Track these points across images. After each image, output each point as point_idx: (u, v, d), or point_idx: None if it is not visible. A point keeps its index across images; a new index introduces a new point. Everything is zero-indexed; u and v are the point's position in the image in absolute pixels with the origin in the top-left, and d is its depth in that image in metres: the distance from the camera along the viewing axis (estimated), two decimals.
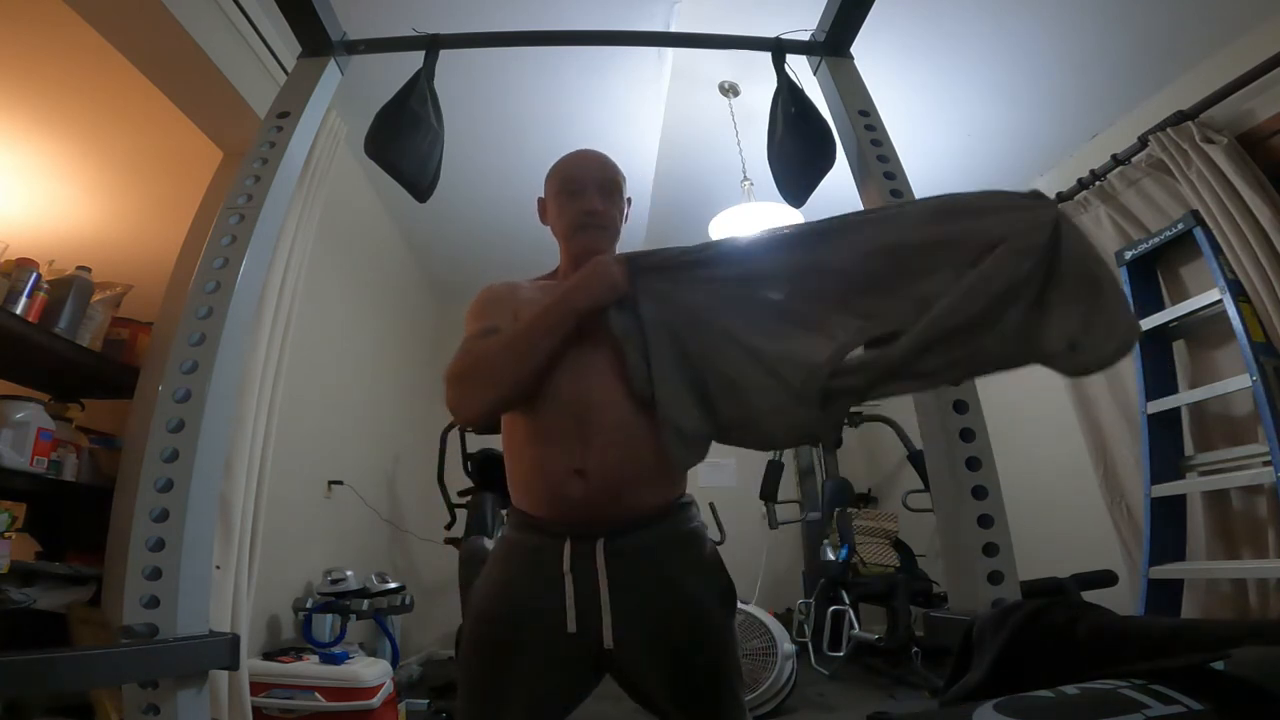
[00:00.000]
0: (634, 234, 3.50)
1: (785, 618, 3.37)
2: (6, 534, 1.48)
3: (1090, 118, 2.57)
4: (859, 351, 0.83)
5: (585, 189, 1.04)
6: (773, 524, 3.44)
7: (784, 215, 2.70)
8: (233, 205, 1.08)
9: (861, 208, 1.17)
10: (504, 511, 2.00)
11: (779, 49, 1.34)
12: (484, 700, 0.88)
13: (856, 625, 3.04)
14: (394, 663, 2.47)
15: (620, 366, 0.90)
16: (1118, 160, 2.40)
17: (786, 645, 2.51)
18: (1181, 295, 2.26)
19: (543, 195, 1.12)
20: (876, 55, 1.76)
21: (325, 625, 2.23)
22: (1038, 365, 0.79)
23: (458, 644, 0.96)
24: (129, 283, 1.99)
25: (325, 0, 1.24)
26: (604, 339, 0.93)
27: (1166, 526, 2.13)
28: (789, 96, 1.31)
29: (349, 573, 2.37)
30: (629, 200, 1.12)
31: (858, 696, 2.69)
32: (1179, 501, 2.16)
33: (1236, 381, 1.95)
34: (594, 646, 0.86)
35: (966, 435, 0.90)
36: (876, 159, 1.15)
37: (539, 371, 0.89)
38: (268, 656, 2.02)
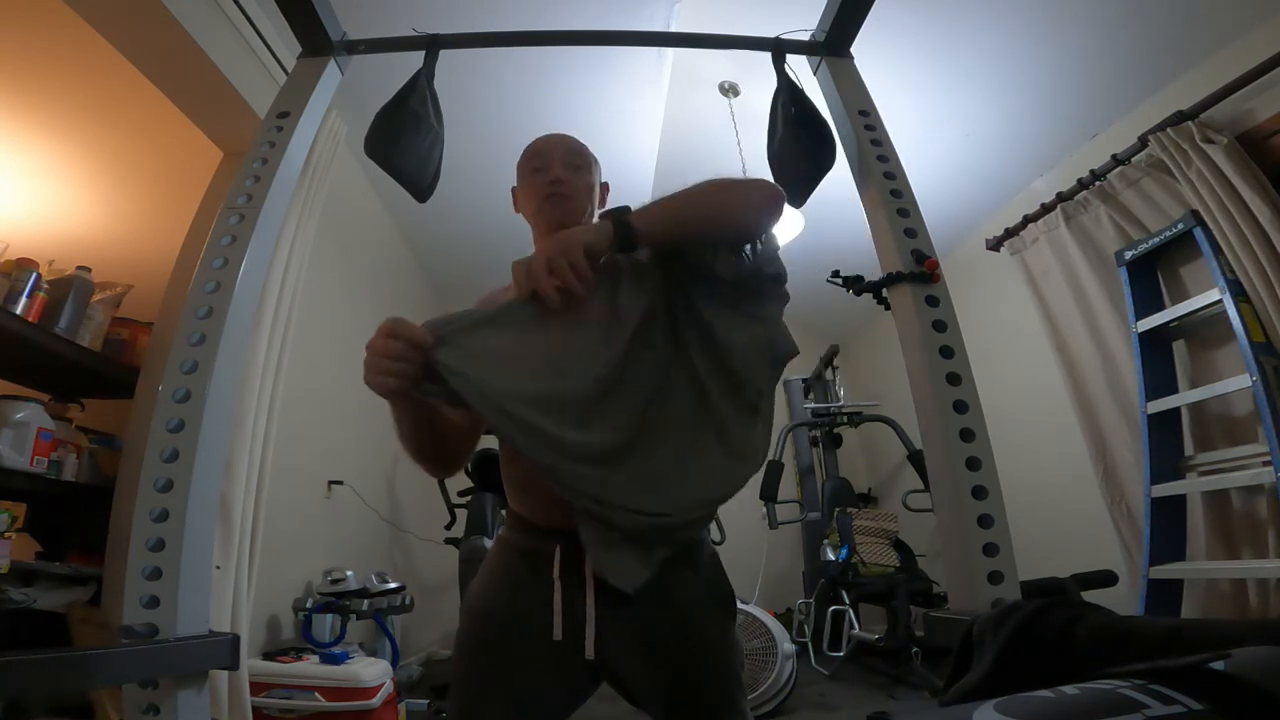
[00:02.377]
0: None
1: (785, 618, 3.37)
2: (6, 534, 1.48)
3: (1090, 118, 2.57)
4: None
5: (550, 163, 1.03)
6: (773, 524, 3.44)
7: (784, 215, 2.70)
8: (233, 205, 1.08)
9: (862, 207, 1.17)
10: (503, 511, 1.99)
11: (779, 49, 1.34)
12: (473, 699, 0.87)
13: (856, 625, 3.04)
14: (394, 663, 2.47)
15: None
16: (1118, 160, 2.40)
17: (786, 645, 2.51)
18: (1181, 295, 2.26)
19: (513, 187, 1.11)
20: (876, 55, 1.76)
21: (325, 625, 2.23)
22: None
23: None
24: (129, 283, 1.99)
25: (325, 0, 1.24)
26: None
27: (1166, 526, 2.13)
28: (789, 96, 1.31)
29: (349, 573, 2.37)
30: (605, 185, 1.10)
31: (858, 696, 2.69)
32: (1179, 501, 2.16)
33: (1236, 381, 1.95)
34: (580, 655, 0.85)
35: (966, 435, 0.90)
36: (876, 159, 1.15)
37: (432, 440, 0.91)
38: (268, 656, 2.02)
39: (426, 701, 2.52)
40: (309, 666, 1.95)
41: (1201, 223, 2.08)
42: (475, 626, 0.90)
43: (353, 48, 1.32)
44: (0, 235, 1.80)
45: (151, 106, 1.99)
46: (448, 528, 3.15)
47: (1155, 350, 2.28)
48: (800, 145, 1.28)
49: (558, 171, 1.02)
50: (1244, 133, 2.05)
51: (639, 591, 0.82)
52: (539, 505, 0.91)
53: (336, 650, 2.07)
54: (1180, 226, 2.16)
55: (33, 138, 2.41)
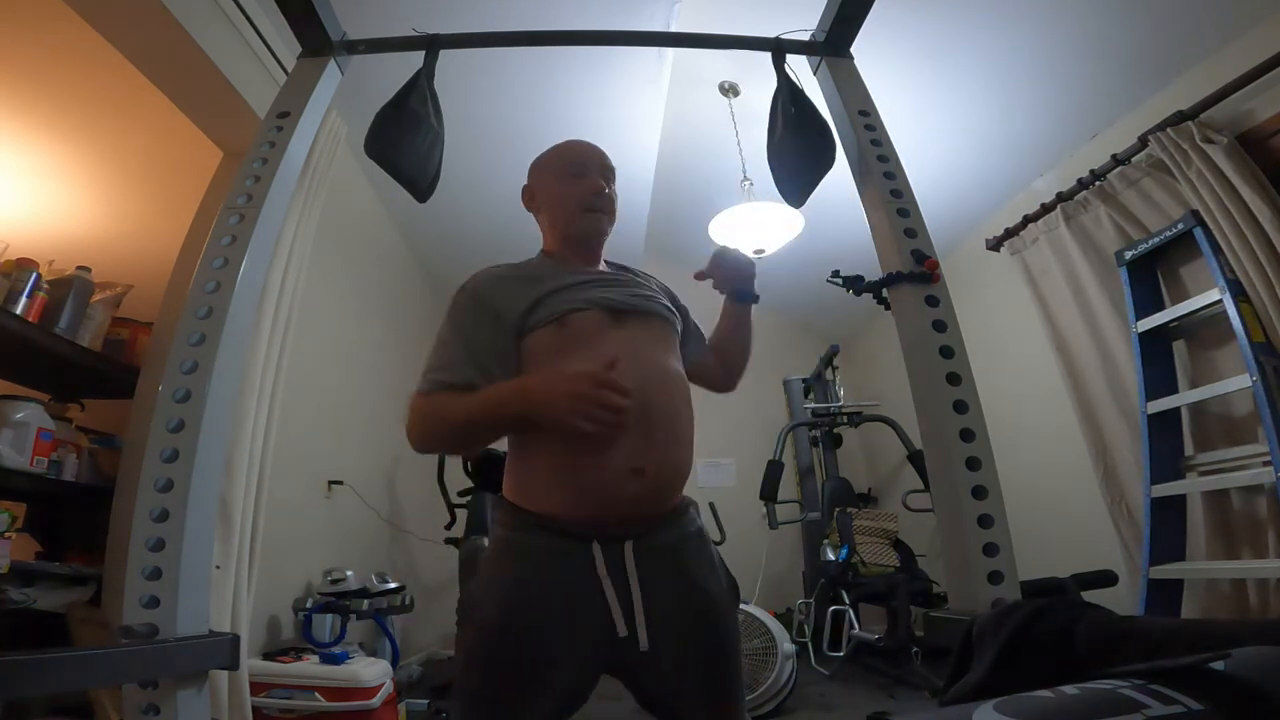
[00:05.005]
0: (634, 233, 3.50)
1: (785, 618, 3.37)
2: (6, 534, 1.48)
3: (1090, 118, 2.57)
4: None
5: (589, 171, 1.07)
6: (773, 524, 3.44)
7: (784, 215, 2.70)
8: (233, 205, 1.08)
9: (862, 207, 1.17)
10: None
11: (779, 49, 1.34)
12: (500, 713, 0.84)
13: (856, 625, 3.04)
14: (394, 663, 2.47)
15: (669, 356, 0.97)
16: (1118, 160, 2.39)
17: (786, 645, 2.51)
18: (1181, 295, 2.26)
19: (526, 184, 1.14)
20: (876, 55, 1.76)
21: (325, 625, 2.23)
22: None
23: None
24: (129, 283, 1.99)
25: (325, 0, 1.24)
26: (652, 326, 0.97)
27: (1166, 526, 2.13)
28: (789, 96, 1.31)
29: (349, 573, 2.37)
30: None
31: (858, 696, 2.69)
32: (1179, 501, 2.16)
33: (1236, 381, 1.95)
34: (616, 650, 0.85)
35: (966, 435, 0.90)
36: (876, 159, 1.15)
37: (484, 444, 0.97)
38: (268, 656, 2.02)
39: (426, 701, 2.52)
40: (309, 666, 1.95)
41: (1201, 223, 2.08)
42: (502, 639, 0.84)
43: (353, 48, 1.32)
44: (0, 235, 1.80)
45: (151, 106, 1.98)
46: (448, 528, 3.14)
47: (1155, 350, 2.28)
48: (800, 145, 1.28)
49: (600, 184, 1.06)
50: (1244, 133, 2.05)
51: (675, 583, 0.89)
52: (585, 501, 0.88)
53: (336, 650, 2.07)
54: (1180, 226, 2.16)
55: (33, 138, 2.41)
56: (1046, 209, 2.71)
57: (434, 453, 0.96)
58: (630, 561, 0.87)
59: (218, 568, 1.60)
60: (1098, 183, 2.50)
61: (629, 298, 1.00)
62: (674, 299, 1.15)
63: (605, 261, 1.13)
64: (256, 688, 1.82)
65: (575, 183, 1.06)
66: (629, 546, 0.87)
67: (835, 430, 4.21)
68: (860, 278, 1.11)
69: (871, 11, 1.24)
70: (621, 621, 0.84)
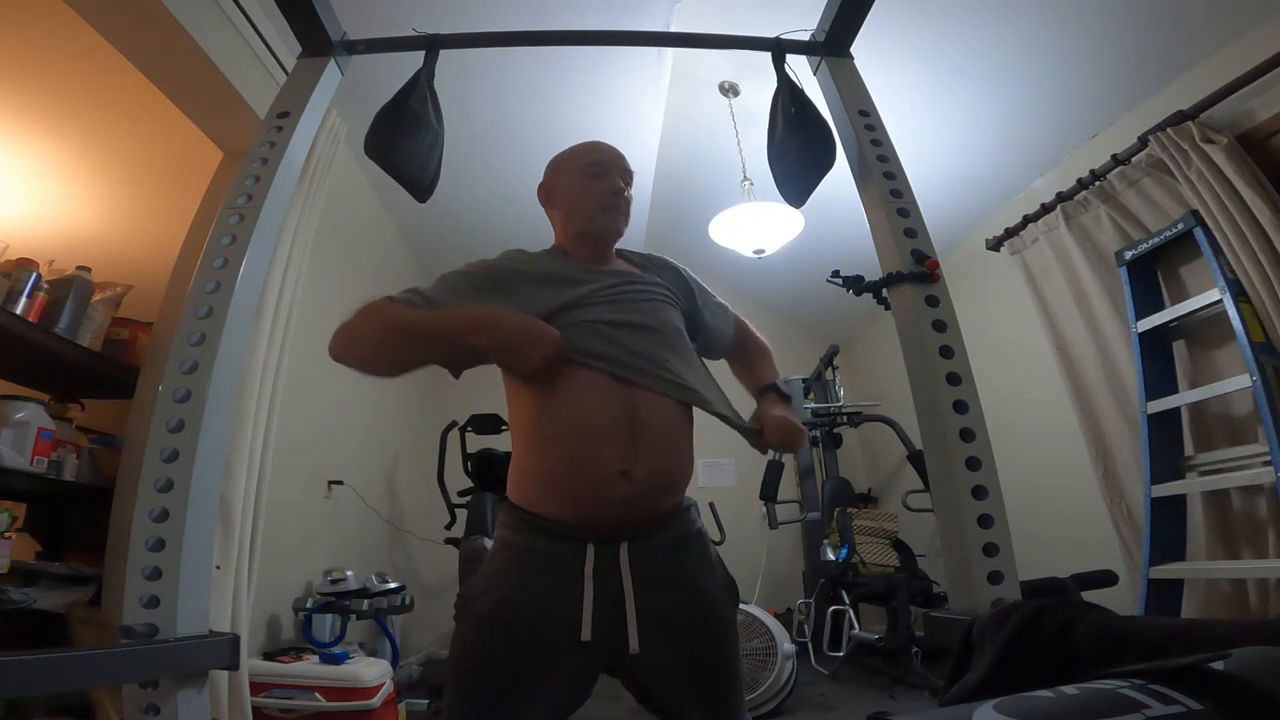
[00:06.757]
0: (634, 233, 3.50)
1: (785, 618, 3.37)
2: (6, 534, 1.48)
3: (1090, 118, 2.57)
4: None
5: (609, 171, 1.08)
6: (773, 524, 3.44)
7: (784, 215, 2.70)
8: (233, 205, 1.08)
9: (862, 208, 1.18)
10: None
11: (779, 49, 1.34)
12: (490, 712, 0.84)
13: (856, 625, 3.04)
14: (394, 663, 2.47)
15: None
16: (1118, 160, 2.39)
17: (786, 645, 2.51)
18: (1181, 295, 2.26)
19: (543, 181, 1.15)
20: (876, 55, 1.76)
21: (325, 625, 2.23)
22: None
23: None
24: (129, 283, 1.99)
25: (325, 0, 1.24)
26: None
27: (1166, 526, 2.13)
28: (789, 96, 1.31)
29: (349, 573, 2.37)
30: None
31: (858, 696, 2.69)
32: (1179, 501, 2.16)
33: (1236, 381, 1.95)
34: (612, 652, 0.86)
35: (966, 435, 0.90)
36: (876, 159, 1.15)
37: (408, 364, 0.96)
38: (268, 656, 2.02)
39: (426, 701, 2.52)
40: (309, 666, 1.95)
41: (1201, 223, 2.08)
42: (496, 637, 0.86)
43: (353, 48, 1.32)
44: (0, 235, 1.80)
45: (151, 106, 1.98)
46: (448, 528, 3.14)
47: (1155, 350, 2.28)
48: (800, 145, 1.28)
49: (619, 184, 1.08)
50: (1244, 133, 2.05)
51: (672, 586, 0.89)
52: (577, 502, 0.88)
53: (336, 650, 2.07)
54: (1180, 226, 2.16)
55: (33, 138, 2.41)
56: (1046, 209, 2.71)
57: (350, 359, 0.93)
58: (625, 563, 0.87)
59: (218, 568, 1.60)
60: (1098, 183, 2.50)
61: (629, 315, 0.99)
62: (685, 284, 1.15)
63: (616, 252, 1.13)
64: (256, 688, 1.82)
65: (595, 183, 1.08)
66: (624, 548, 0.88)
67: (835, 430, 4.21)
68: (860, 278, 1.12)
69: (871, 12, 1.24)
70: (589, 627, 0.84)
